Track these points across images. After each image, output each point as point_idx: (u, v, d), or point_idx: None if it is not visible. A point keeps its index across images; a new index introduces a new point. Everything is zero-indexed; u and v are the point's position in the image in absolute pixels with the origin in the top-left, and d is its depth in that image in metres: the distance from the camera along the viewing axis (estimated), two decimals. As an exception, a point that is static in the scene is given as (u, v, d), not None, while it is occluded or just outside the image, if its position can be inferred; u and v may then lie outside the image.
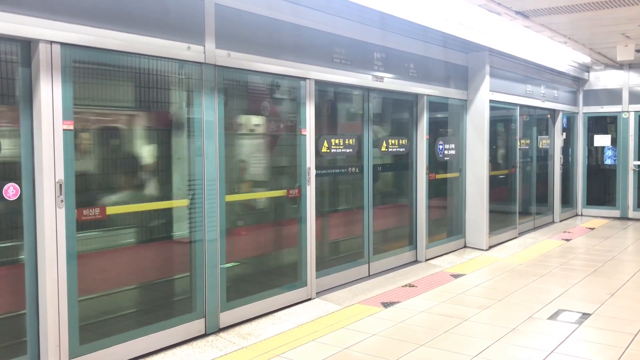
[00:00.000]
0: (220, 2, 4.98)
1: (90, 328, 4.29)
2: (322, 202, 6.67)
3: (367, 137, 7.05)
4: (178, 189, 5.01)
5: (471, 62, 8.95)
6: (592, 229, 11.04)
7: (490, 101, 8.94)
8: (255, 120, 5.97)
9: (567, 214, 12.49)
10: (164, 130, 5.11)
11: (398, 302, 5.99)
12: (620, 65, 12.10)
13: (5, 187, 3.72)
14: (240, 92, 5.67)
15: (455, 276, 7.18)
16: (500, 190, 9.78)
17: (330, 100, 7.00)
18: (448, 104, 8.74)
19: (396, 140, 7.60)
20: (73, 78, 4.00)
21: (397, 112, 8.19)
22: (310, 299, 6.05)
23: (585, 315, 5.53)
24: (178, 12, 4.67)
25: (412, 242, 8.07)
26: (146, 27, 4.41)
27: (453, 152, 8.69)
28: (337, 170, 6.84)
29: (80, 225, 4.08)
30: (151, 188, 5.02)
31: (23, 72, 3.80)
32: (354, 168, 6.97)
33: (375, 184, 7.26)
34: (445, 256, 8.39)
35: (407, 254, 7.94)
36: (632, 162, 12.23)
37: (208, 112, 4.93)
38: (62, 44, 3.89)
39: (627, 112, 12.22)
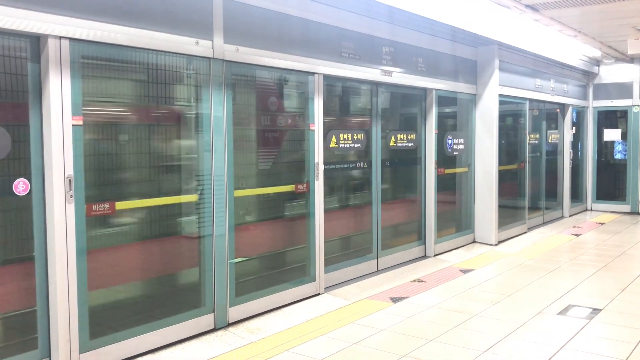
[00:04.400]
0: (228, -4, 4.97)
1: (100, 323, 4.31)
2: (330, 197, 6.66)
3: (375, 131, 7.03)
4: (187, 185, 5.01)
5: (480, 56, 8.89)
6: (602, 224, 10.97)
7: (500, 95, 8.89)
8: (263, 115, 5.96)
9: (577, 208, 12.42)
10: (172, 125, 5.11)
11: (407, 297, 5.98)
12: (631, 59, 11.99)
13: (16, 182, 3.74)
14: (249, 87, 5.67)
15: (464, 271, 7.16)
16: (509, 185, 9.73)
17: (339, 95, 6.98)
18: (457, 98, 8.70)
19: (405, 135, 7.57)
20: (82, 73, 4.00)
21: (405, 106, 8.16)
22: (318, 294, 6.05)
23: (596, 311, 5.49)
24: (186, 7, 4.66)
25: (420, 237, 8.05)
26: (154, 22, 4.40)
27: (462, 146, 8.65)
28: (346, 165, 6.83)
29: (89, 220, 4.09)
30: (160, 183, 5.03)
31: (32, 67, 3.81)
32: (362, 163, 6.95)
33: (383, 179, 7.24)
34: (454, 251, 8.37)
35: (416, 249, 7.93)
36: (643, 157, 12.14)
37: (216, 107, 4.93)
38: (71, 39, 3.89)
39: (638, 106, 12.10)
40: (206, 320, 4.92)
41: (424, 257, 7.98)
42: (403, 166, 8.02)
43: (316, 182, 5.99)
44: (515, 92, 9.48)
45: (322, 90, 6.01)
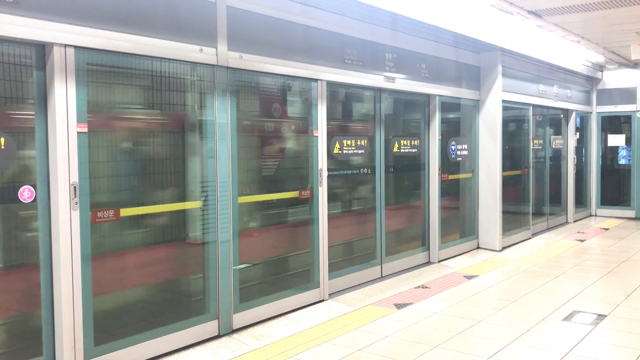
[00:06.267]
0: (232, 4, 5.00)
1: (105, 329, 4.31)
2: (334, 203, 6.66)
3: (379, 137, 7.04)
4: (191, 191, 5.03)
5: (483, 62, 8.90)
6: (607, 229, 10.94)
7: (503, 101, 8.89)
8: (267, 121, 5.97)
9: (581, 214, 12.38)
10: (177, 132, 5.13)
11: (411, 304, 5.97)
12: (635, 64, 11.99)
13: (21, 189, 3.76)
14: (253, 94, 5.69)
15: (469, 277, 7.15)
16: (513, 191, 9.72)
17: (342, 101, 7.00)
18: (460, 104, 8.71)
19: (408, 141, 7.58)
20: (87, 81, 4.03)
21: (409, 112, 8.17)
22: (323, 301, 6.05)
23: (601, 317, 5.47)
24: (190, 15, 4.69)
25: (424, 243, 8.04)
26: (159, 30, 4.43)
27: (465, 152, 8.65)
28: (349, 172, 6.84)
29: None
30: (164, 190, 5.04)
31: (37, 75, 3.83)
32: (365, 169, 6.96)
33: (387, 185, 7.24)
34: (458, 257, 8.35)
35: (420, 255, 7.92)
36: (647, 162, 12.11)
37: (220, 113, 4.95)
38: (76, 47, 3.92)
39: (642, 111, 12.11)
40: (210, 327, 4.92)
41: (428, 263, 7.97)
42: (406, 172, 8.03)
43: (320, 189, 5.99)
44: (519, 98, 9.48)
45: (326, 96, 6.03)
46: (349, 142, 6.49)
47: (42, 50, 3.84)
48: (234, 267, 5.10)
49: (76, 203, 3.94)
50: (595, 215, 12.77)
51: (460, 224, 8.93)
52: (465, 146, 8.65)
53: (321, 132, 5.99)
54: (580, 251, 8.85)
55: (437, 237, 8.01)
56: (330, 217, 6.29)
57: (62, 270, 3.88)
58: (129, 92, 4.69)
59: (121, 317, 4.62)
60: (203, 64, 4.81)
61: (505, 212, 9.09)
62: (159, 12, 4.45)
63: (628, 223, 11.70)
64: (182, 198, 5.09)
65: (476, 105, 8.93)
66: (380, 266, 7.14)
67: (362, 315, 5.58)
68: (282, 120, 6.05)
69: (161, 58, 4.50)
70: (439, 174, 8.01)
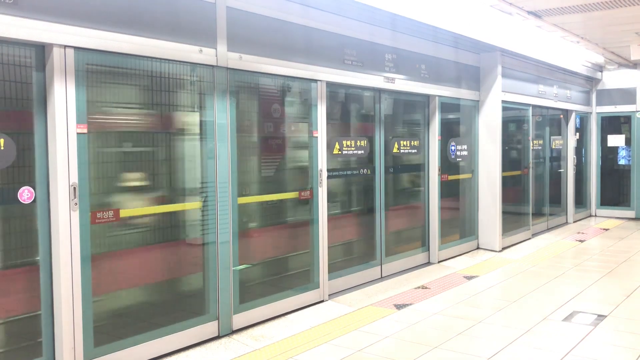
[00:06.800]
0: (231, 5, 5.00)
1: (105, 330, 4.31)
2: (333, 204, 6.66)
3: (378, 138, 7.04)
4: (191, 192, 5.03)
5: (483, 63, 8.91)
6: (607, 229, 10.94)
7: (503, 102, 8.89)
8: (267, 122, 5.97)
9: (581, 214, 12.39)
10: (176, 133, 5.13)
11: (411, 304, 5.97)
12: (634, 65, 11.99)
13: (21, 190, 3.76)
14: (252, 95, 5.69)
15: (469, 278, 7.15)
16: (513, 191, 9.72)
17: (342, 101, 7.00)
18: (460, 104, 8.71)
19: (408, 142, 7.58)
20: (86, 82, 4.03)
21: (408, 113, 8.18)
22: (322, 301, 6.04)
23: (601, 317, 5.47)
24: (190, 16, 4.69)
25: (424, 243, 8.04)
26: (159, 31, 4.43)
27: (465, 153, 8.65)
28: (349, 172, 6.84)
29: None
30: (164, 190, 5.04)
31: (37, 76, 3.83)
32: (365, 169, 6.96)
33: (386, 185, 7.24)
34: (458, 258, 8.35)
35: (420, 256, 7.92)
36: (647, 162, 12.11)
37: (220, 114, 4.95)
38: (76, 48, 3.92)
39: (642, 111, 12.12)
40: (210, 328, 4.92)
41: (428, 263, 7.97)
42: (406, 172, 8.03)
43: (319, 189, 5.99)
44: (518, 98, 9.48)
45: (325, 97, 6.03)
46: (348, 142, 6.49)
47: (41, 51, 3.84)
48: (234, 268, 5.10)
49: (76, 204, 3.94)
50: (595, 216, 12.77)
51: (460, 225, 8.92)
52: (465, 147, 8.65)
53: (321, 132, 5.99)
54: (580, 251, 8.85)
55: (437, 238, 8.01)
56: (330, 217, 6.29)
57: (62, 271, 3.88)
58: (129, 92, 4.69)
59: (121, 317, 4.62)
60: (203, 64, 4.81)
61: (505, 213, 9.09)
62: (158, 12, 4.45)
63: (628, 223, 11.70)
64: (182, 198, 5.09)
65: (476, 105, 8.93)
66: (380, 267, 7.14)
67: (362, 316, 5.58)
68: (282, 120, 6.05)
69: (161, 59, 4.50)
70: (438, 175, 8.01)
